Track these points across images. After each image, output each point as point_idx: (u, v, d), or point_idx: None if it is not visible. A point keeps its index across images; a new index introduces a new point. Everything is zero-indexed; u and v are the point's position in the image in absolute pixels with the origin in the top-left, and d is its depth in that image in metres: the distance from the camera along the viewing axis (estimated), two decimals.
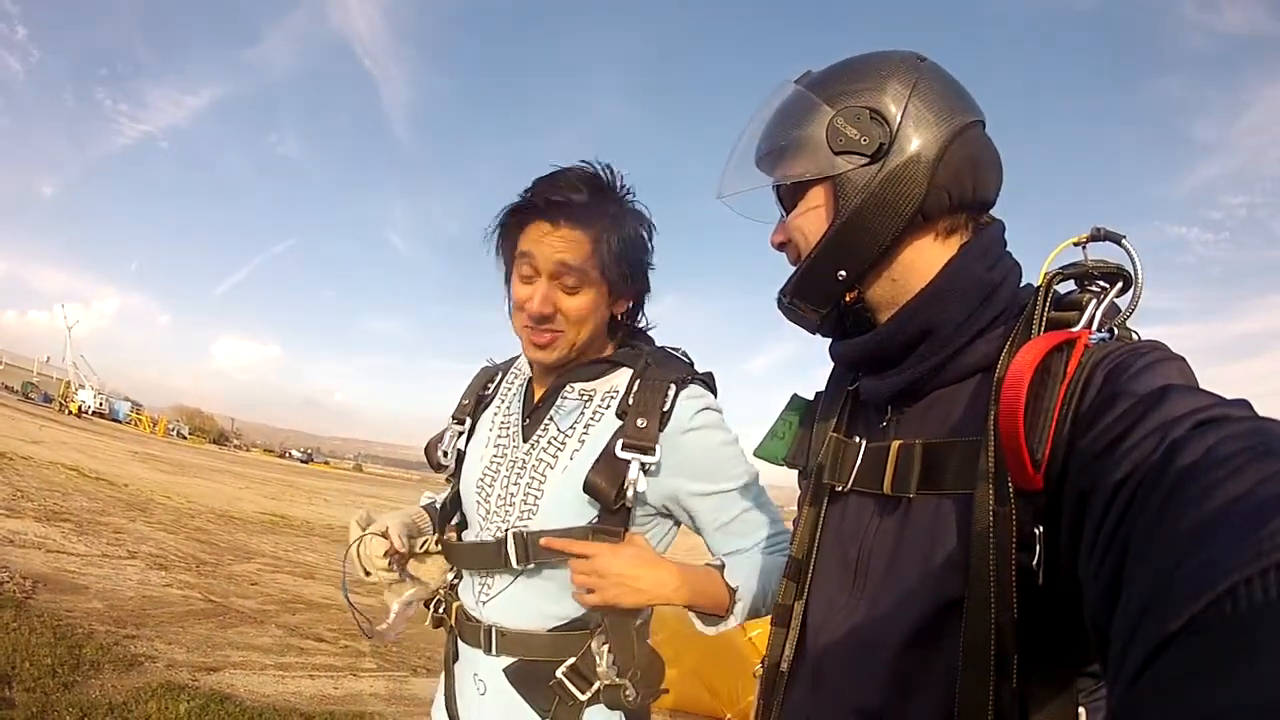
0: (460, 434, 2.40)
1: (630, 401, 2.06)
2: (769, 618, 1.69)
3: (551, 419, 2.18)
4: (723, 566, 2.05)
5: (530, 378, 2.32)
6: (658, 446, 1.98)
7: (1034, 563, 1.12)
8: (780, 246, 1.52)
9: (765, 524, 2.12)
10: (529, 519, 2.08)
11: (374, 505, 2.43)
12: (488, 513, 2.17)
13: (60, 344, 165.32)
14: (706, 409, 2.09)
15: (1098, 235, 1.29)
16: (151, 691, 6.11)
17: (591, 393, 2.17)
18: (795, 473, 1.75)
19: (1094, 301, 1.24)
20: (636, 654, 2.03)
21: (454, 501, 2.40)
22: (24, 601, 7.96)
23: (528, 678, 2.06)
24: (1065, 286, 1.30)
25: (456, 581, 2.35)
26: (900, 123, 1.32)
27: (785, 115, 1.44)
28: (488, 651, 2.10)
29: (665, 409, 2.02)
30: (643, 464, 1.97)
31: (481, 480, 2.23)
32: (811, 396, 1.79)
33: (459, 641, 2.24)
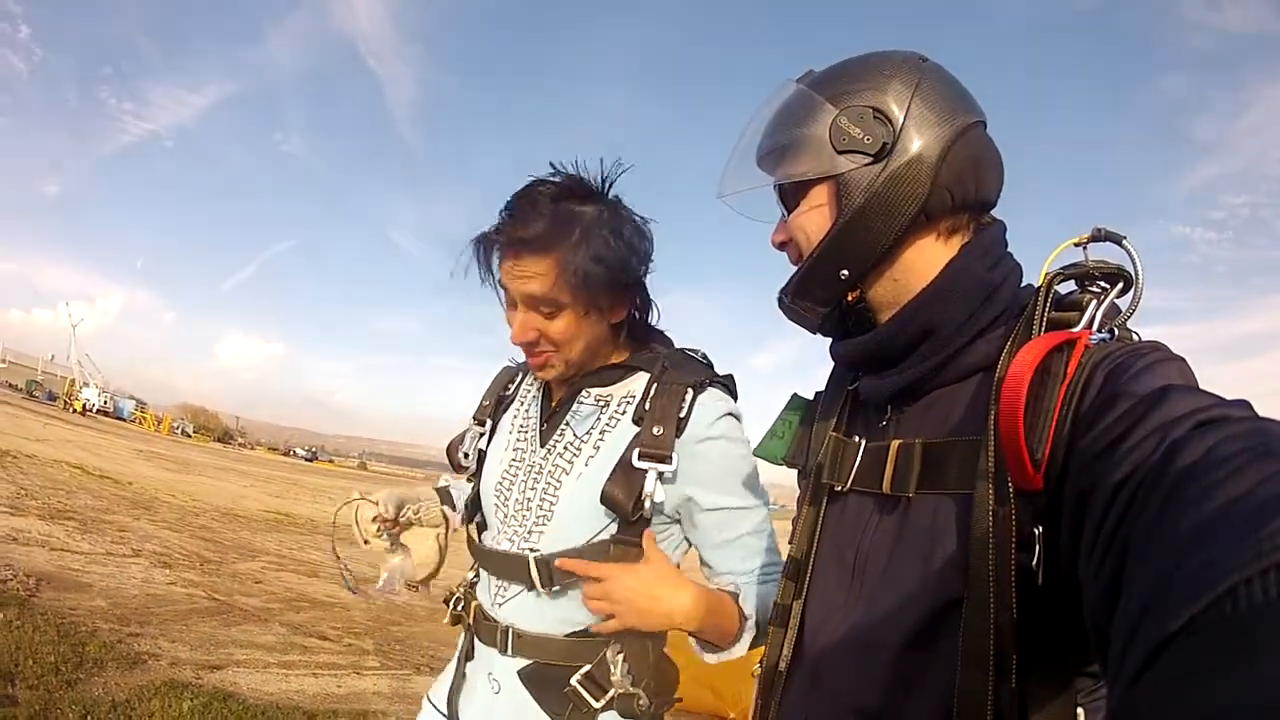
0: (481, 435, 2.39)
1: (647, 407, 2.04)
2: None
3: (568, 424, 2.17)
4: (737, 595, 2.01)
5: (548, 381, 2.29)
6: (674, 454, 1.96)
7: (1033, 563, 1.12)
8: (781, 246, 1.52)
9: (764, 552, 2.09)
10: (544, 525, 2.07)
11: None
12: (505, 517, 2.17)
13: (65, 342, 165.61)
14: (726, 415, 2.06)
15: (1098, 236, 1.29)
16: (155, 689, 6.11)
17: (608, 398, 2.16)
18: (795, 472, 1.75)
19: (1094, 302, 1.25)
20: (651, 663, 2.04)
21: (475, 502, 2.39)
22: (27, 599, 7.96)
23: (542, 681, 2.05)
24: (1066, 287, 1.30)
25: (475, 580, 2.36)
26: (903, 122, 1.32)
27: (787, 114, 1.44)
28: (503, 652, 2.09)
29: (682, 415, 2.00)
30: (660, 473, 1.96)
31: (500, 484, 2.22)
32: (812, 396, 1.79)
33: (475, 640, 2.24)
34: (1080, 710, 1.15)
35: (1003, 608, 1.13)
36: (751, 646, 2.00)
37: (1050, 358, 1.15)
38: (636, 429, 2.04)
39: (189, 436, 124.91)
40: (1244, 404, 0.89)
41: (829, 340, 1.58)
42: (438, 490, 2.62)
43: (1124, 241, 1.26)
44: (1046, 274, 1.32)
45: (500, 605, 2.14)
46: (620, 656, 1.99)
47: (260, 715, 6.20)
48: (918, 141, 1.32)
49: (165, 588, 10.34)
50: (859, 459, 1.49)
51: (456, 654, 2.36)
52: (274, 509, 24.84)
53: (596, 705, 1.98)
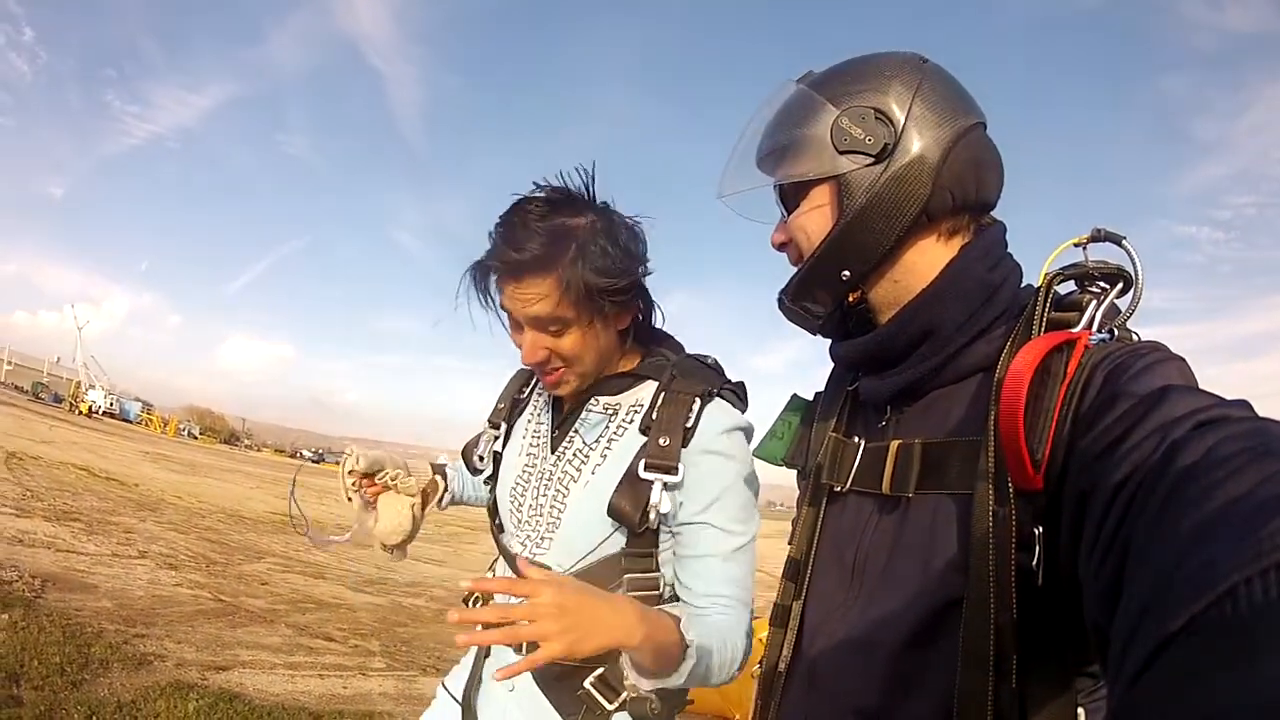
0: (496, 438, 2.40)
1: (654, 417, 2.03)
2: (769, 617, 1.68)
3: (577, 431, 2.17)
4: (678, 619, 1.83)
5: None
6: (680, 465, 1.95)
7: (1033, 563, 1.12)
8: (781, 247, 1.52)
9: (730, 581, 1.98)
10: (554, 532, 2.08)
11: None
12: (520, 522, 2.18)
13: (70, 344, 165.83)
14: (733, 430, 2.03)
15: (1098, 236, 1.30)
16: (160, 690, 6.12)
17: (616, 407, 2.15)
18: (794, 473, 1.75)
19: (1094, 302, 1.25)
20: None
21: (494, 506, 2.40)
22: (33, 600, 7.96)
23: (555, 681, 2.05)
24: (1066, 287, 1.31)
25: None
26: (905, 123, 1.32)
27: (788, 114, 1.44)
28: (518, 651, 2.07)
29: (689, 425, 1.98)
30: (666, 484, 1.94)
31: (514, 489, 2.23)
32: (811, 396, 1.79)
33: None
34: (1080, 710, 1.15)
35: (1003, 608, 1.13)
36: (691, 683, 1.86)
37: (1050, 358, 1.15)
38: (644, 439, 2.03)
39: (195, 438, 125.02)
40: (1244, 404, 0.89)
41: (829, 341, 1.58)
42: (434, 466, 2.65)
43: (1123, 242, 1.27)
44: (1046, 274, 1.32)
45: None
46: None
47: (266, 716, 6.21)
48: (919, 142, 1.32)
49: (171, 589, 10.36)
50: (858, 459, 1.49)
51: (474, 651, 2.35)
52: (280, 510, 24.77)
53: (610, 707, 1.97)
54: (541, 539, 2.10)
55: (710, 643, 1.84)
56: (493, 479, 2.40)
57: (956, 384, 1.37)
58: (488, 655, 2.28)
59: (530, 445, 2.27)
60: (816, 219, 1.41)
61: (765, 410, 1.85)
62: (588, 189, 2.05)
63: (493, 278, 1.98)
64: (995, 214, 1.46)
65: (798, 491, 1.70)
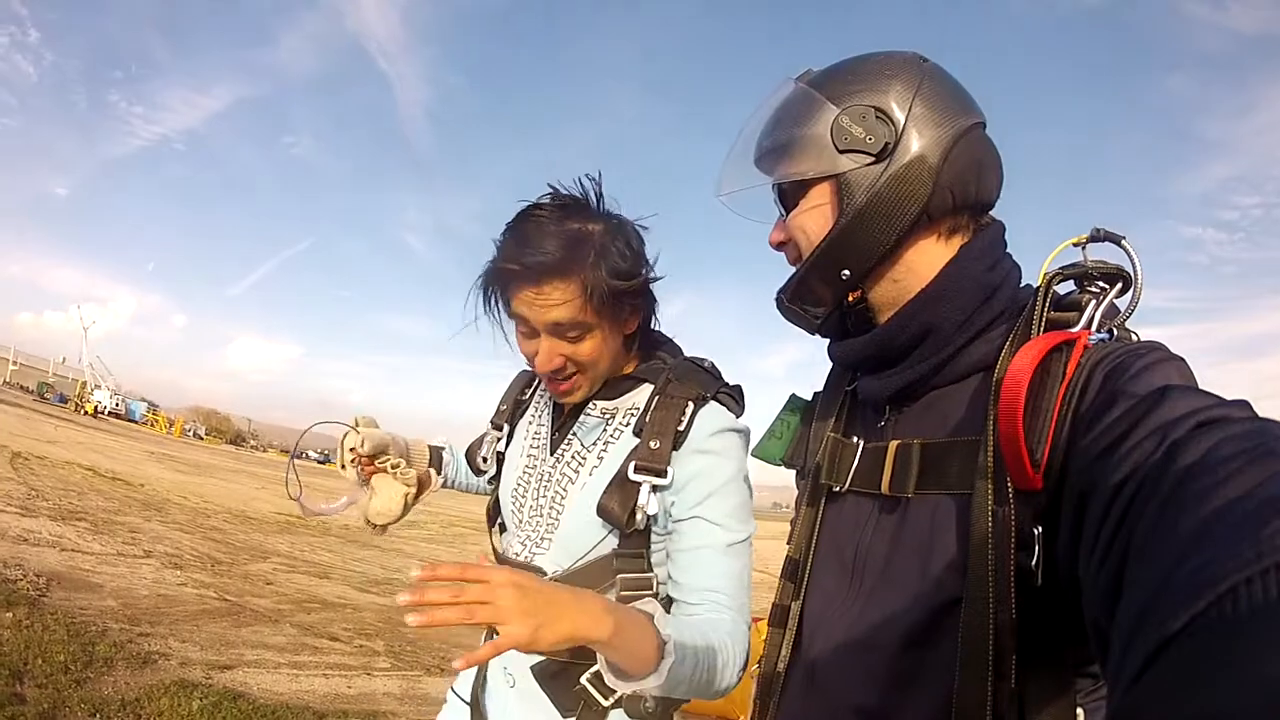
0: (499, 439, 2.42)
1: (647, 420, 2.03)
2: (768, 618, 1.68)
3: (575, 434, 2.18)
4: (653, 615, 1.68)
5: None
6: (670, 468, 1.95)
7: (1033, 563, 1.12)
8: (779, 246, 1.52)
9: (724, 576, 1.93)
10: (552, 534, 2.09)
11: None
12: (520, 523, 2.19)
13: (76, 344, 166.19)
14: (726, 431, 2.03)
15: (1097, 236, 1.30)
16: (164, 689, 6.14)
17: (613, 410, 2.16)
18: (793, 473, 1.75)
19: (1093, 302, 1.25)
20: None
21: (495, 506, 2.41)
22: (38, 599, 7.98)
23: (553, 677, 2.06)
24: (1065, 287, 1.31)
25: None
26: (906, 123, 1.32)
27: (788, 113, 1.44)
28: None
29: (681, 428, 1.98)
30: (654, 485, 1.95)
31: (516, 490, 2.25)
32: (810, 396, 1.79)
33: (495, 635, 2.23)
34: (1080, 710, 1.15)
35: (1002, 608, 1.13)
36: (680, 687, 1.73)
37: (1049, 358, 1.15)
38: (637, 441, 2.03)
39: (201, 439, 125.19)
40: (1244, 404, 0.89)
41: (827, 341, 1.58)
42: (432, 448, 2.66)
43: (1123, 241, 1.26)
44: (1045, 274, 1.32)
45: None
46: None
47: (270, 715, 6.22)
48: (920, 141, 1.32)
49: (176, 588, 10.38)
50: (857, 459, 1.49)
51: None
52: (286, 511, 24.82)
53: (605, 704, 1.98)
54: (541, 539, 2.11)
55: (695, 641, 1.73)
56: (495, 479, 2.42)
57: (956, 384, 1.37)
58: None
59: (531, 447, 2.28)
60: (816, 218, 1.41)
61: (769, 412, 1.85)
62: (596, 195, 2.05)
63: (507, 283, 1.96)
64: (997, 213, 1.45)
65: (796, 492, 1.70)
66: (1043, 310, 1.26)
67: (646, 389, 2.11)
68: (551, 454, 2.20)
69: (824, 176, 1.38)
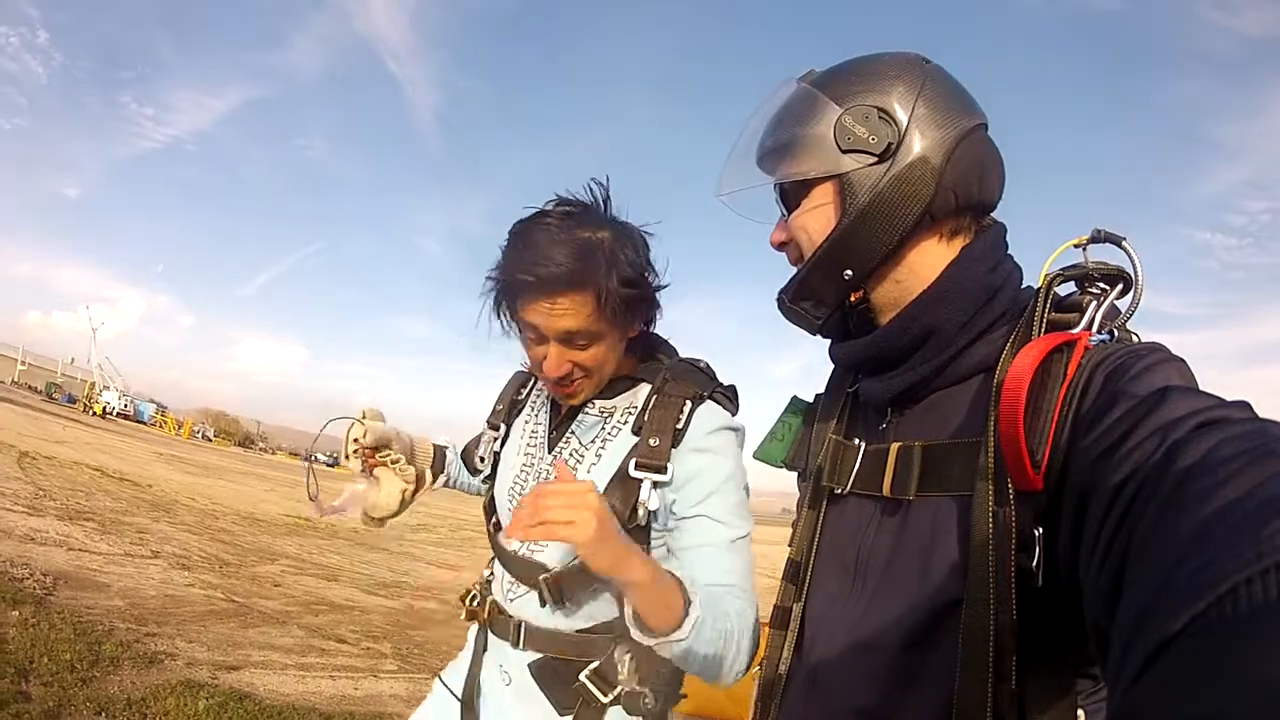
0: (495, 438, 2.44)
1: (646, 419, 2.06)
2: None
3: (574, 432, 2.20)
4: (681, 582, 1.78)
5: None
6: (669, 465, 1.98)
7: (1033, 564, 1.12)
8: (780, 246, 1.52)
9: (730, 570, 1.95)
10: None
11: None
12: None
13: (84, 345, 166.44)
14: (723, 429, 2.07)
15: (1098, 237, 1.30)
16: (170, 688, 6.13)
17: (612, 409, 2.19)
18: (795, 475, 1.76)
19: (1094, 303, 1.25)
20: (658, 662, 2.01)
21: (491, 504, 2.43)
22: (44, 598, 7.97)
23: (550, 674, 2.09)
24: (1066, 288, 1.31)
25: (491, 578, 2.40)
26: (909, 123, 1.32)
27: (790, 113, 1.44)
28: (515, 645, 2.14)
29: (679, 426, 2.02)
30: (655, 482, 1.97)
31: (513, 488, 2.27)
32: (812, 398, 1.79)
33: (490, 633, 2.28)
34: (1080, 711, 1.15)
35: (1002, 609, 1.13)
36: (696, 662, 1.79)
37: (1050, 359, 1.15)
38: (635, 439, 2.07)
39: (209, 440, 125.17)
40: (1244, 405, 0.89)
41: (828, 342, 1.58)
42: (436, 447, 2.68)
43: (1123, 243, 1.27)
44: (1046, 275, 1.32)
45: (512, 601, 2.18)
46: (628, 655, 2.01)
47: (276, 716, 6.22)
48: (923, 142, 1.32)
49: (183, 589, 10.37)
50: (859, 462, 1.50)
51: (471, 645, 2.40)
52: (294, 513, 24.82)
53: (604, 700, 2.00)
54: (541, 569, 2.11)
55: (716, 611, 1.78)
56: (491, 478, 2.43)
57: (957, 385, 1.38)
58: (485, 650, 2.31)
59: (528, 445, 2.30)
60: (818, 218, 1.41)
61: (773, 414, 1.85)
62: (603, 200, 2.06)
63: (518, 293, 1.96)
64: (995, 215, 1.46)
65: (798, 494, 1.70)
66: (1043, 311, 1.26)
67: (644, 388, 2.15)
68: (549, 452, 2.22)
69: (827, 176, 1.38)
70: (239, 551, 14.84)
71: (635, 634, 1.75)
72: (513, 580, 2.20)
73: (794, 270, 1.49)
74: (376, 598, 12.92)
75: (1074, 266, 1.31)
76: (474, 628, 2.40)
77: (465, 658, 2.40)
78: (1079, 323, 1.24)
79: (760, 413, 2.08)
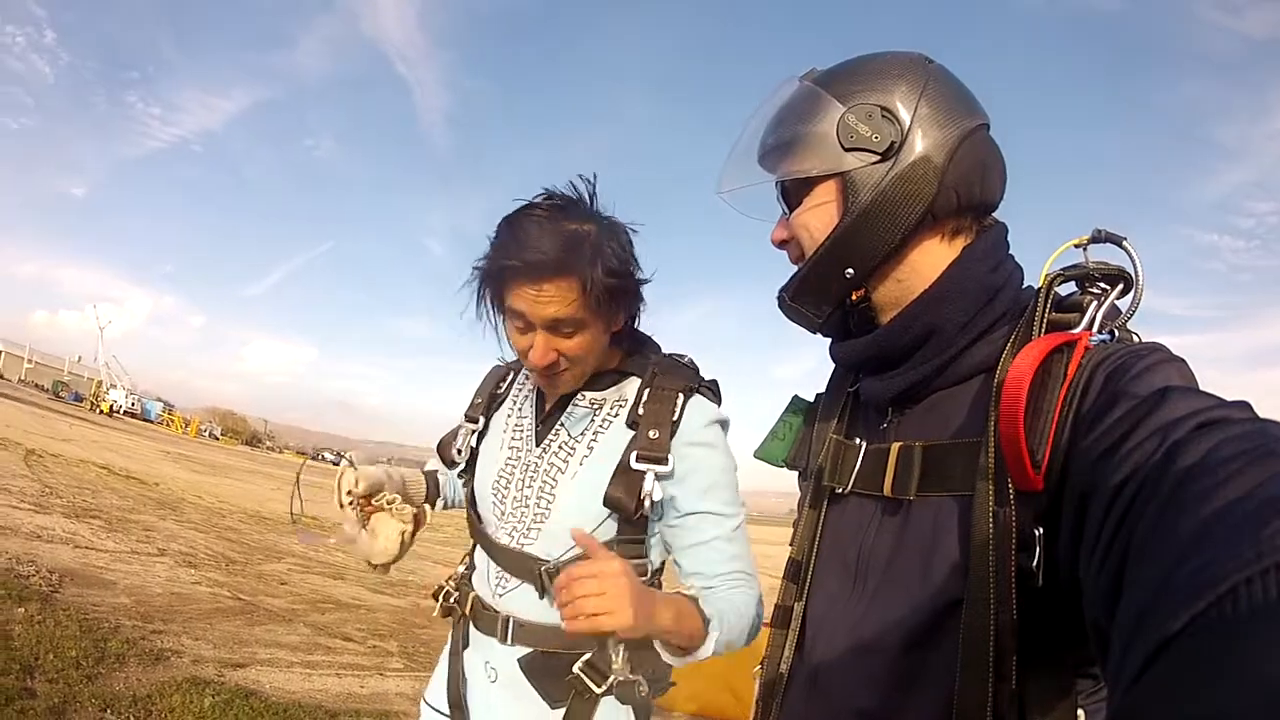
0: (474, 432, 2.45)
1: (640, 412, 2.11)
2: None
3: (563, 425, 2.23)
4: (697, 599, 2.01)
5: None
6: (670, 456, 2.03)
7: (1033, 564, 1.12)
8: (781, 244, 1.52)
9: (734, 558, 2.11)
10: (542, 523, 2.14)
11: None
12: (504, 514, 2.22)
13: (91, 344, 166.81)
14: (714, 423, 2.14)
15: (1098, 237, 1.30)
16: (176, 685, 6.13)
17: (601, 402, 2.22)
18: (795, 474, 1.77)
19: (1094, 303, 1.25)
20: (650, 651, 2.03)
21: (470, 499, 2.44)
22: (50, 595, 7.98)
23: (541, 668, 2.10)
24: (1067, 288, 1.31)
25: (468, 572, 2.41)
26: (911, 122, 1.32)
27: (792, 111, 1.44)
28: (503, 640, 2.15)
29: (675, 418, 2.07)
30: (657, 474, 2.02)
31: (498, 482, 2.28)
32: (813, 398, 1.80)
33: (471, 630, 2.29)
34: (1081, 711, 1.16)
35: (1003, 609, 1.14)
36: (715, 653, 2.00)
37: (1050, 359, 1.15)
38: (630, 432, 2.11)
39: (217, 439, 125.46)
40: (1244, 405, 0.90)
41: (828, 341, 1.58)
42: (425, 474, 2.68)
43: (1124, 243, 1.27)
44: (1046, 275, 1.32)
45: (501, 595, 2.19)
46: (622, 645, 1.99)
47: (282, 713, 6.22)
48: (926, 141, 1.32)
49: (190, 587, 10.38)
50: (859, 461, 1.49)
51: (447, 648, 2.42)
52: (300, 512, 24.85)
53: (598, 691, 2.01)
54: (528, 530, 2.15)
55: (727, 615, 1.98)
56: (468, 472, 2.46)
57: (958, 385, 1.38)
58: (466, 647, 2.32)
59: (513, 439, 2.32)
60: (820, 216, 1.41)
61: (773, 414, 1.86)
62: (590, 196, 2.09)
63: (506, 280, 1.99)
64: (996, 215, 1.45)
65: (799, 493, 1.71)
66: (1044, 312, 1.26)
67: (633, 382, 2.20)
68: (537, 445, 2.24)
69: (829, 174, 1.38)
70: (245, 549, 14.85)
71: (666, 657, 1.93)
72: (501, 574, 2.21)
73: (795, 269, 1.49)
74: (383, 596, 12.92)
75: (1074, 266, 1.31)
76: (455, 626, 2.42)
77: (441, 672, 2.42)
78: (1079, 323, 1.24)
79: (760, 413, 2.09)
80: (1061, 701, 1.15)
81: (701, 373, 2.28)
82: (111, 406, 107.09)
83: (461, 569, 2.46)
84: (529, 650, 2.12)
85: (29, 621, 6.79)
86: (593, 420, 2.21)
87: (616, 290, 2.02)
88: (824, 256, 1.41)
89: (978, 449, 1.23)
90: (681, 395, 2.10)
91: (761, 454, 1.81)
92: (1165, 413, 0.91)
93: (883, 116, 1.33)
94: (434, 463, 2.72)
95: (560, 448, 2.20)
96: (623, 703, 2.05)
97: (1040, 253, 1.40)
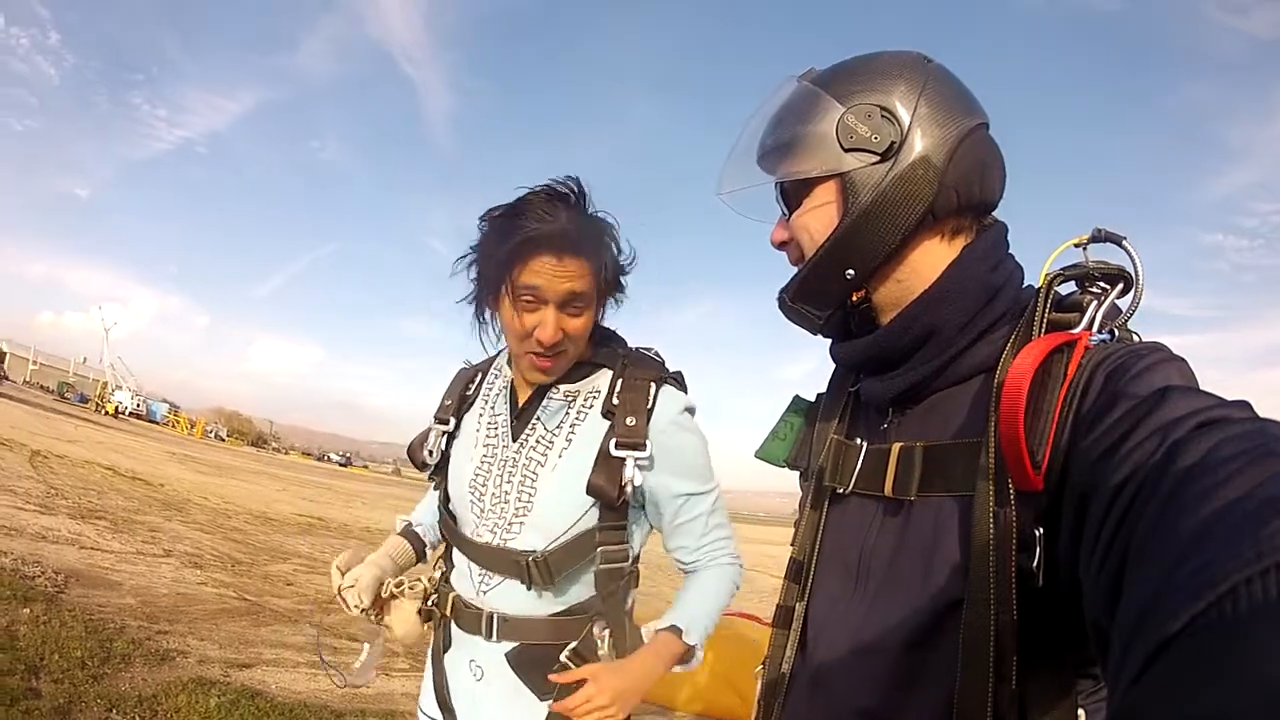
0: (444, 434, 2.46)
1: (615, 401, 2.17)
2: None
3: (539, 419, 2.26)
4: (679, 630, 2.16)
5: (512, 379, 2.37)
6: (648, 442, 2.10)
7: (1034, 564, 1.12)
8: (781, 246, 1.52)
9: (716, 528, 2.30)
10: (524, 516, 2.16)
11: (408, 510, 2.48)
12: (483, 511, 2.24)
13: (97, 344, 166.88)
14: (686, 410, 2.23)
15: (1098, 237, 1.30)
16: (182, 685, 6.14)
17: (575, 394, 2.26)
18: (797, 475, 1.76)
19: (1094, 303, 1.25)
20: (629, 636, 2.14)
21: (445, 501, 2.46)
22: (55, 596, 7.99)
23: (529, 662, 2.14)
24: (1067, 288, 1.31)
25: (445, 573, 2.44)
26: (911, 122, 1.32)
27: (791, 111, 1.43)
28: (488, 637, 2.18)
29: (649, 406, 2.13)
30: (636, 460, 2.07)
31: (474, 480, 2.29)
32: (814, 398, 1.79)
33: (453, 630, 2.33)
34: (1081, 711, 1.15)
35: (1003, 609, 1.14)
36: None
37: (1050, 359, 1.15)
38: (607, 422, 2.17)
39: (222, 440, 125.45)
40: (1244, 405, 0.89)
41: (828, 342, 1.58)
42: (401, 534, 2.68)
43: (1124, 242, 1.26)
44: (1046, 275, 1.32)
45: (485, 593, 2.22)
46: (606, 632, 2.11)
47: (288, 713, 6.23)
48: (925, 141, 1.31)
49: (195, 587, 10.39)
50: (860, 462, 1.49)
51: (430, 652, 2.46)
52: (307, 513, 24.85)
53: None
54: (510, 525, 2.17)
55: (699, 617, 2.21)
56: (440, 473, 2.47)
57: (958, 385, 1.37)
58: (448, 649, 2.36)
59: (488, 437, 2.33)
60: (820, 217, 1.40)
61: (774, 414, 1.87)
62: (579, 195, 2.12)
63: (526, 253, 1.99)
64: (996, 215, 1.45)
65: (800, 494, 1.71)
66: (1044, 311, 1.26)
67: (605, 373, 2.24)
68: (514, 440, 2.26)
69: (829, 175, 1.37)
70: (251, 550, 14.88)
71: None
72: (484, 571, 2.23)
73: (795, 270, 1.49)
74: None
75: (1074, 266, 1.30)
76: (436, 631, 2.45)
77: (429, 673, 2.45)
78: (1079, 322, 1.24)
79: (761, 413, 2.12)
80: (1062, 701, 1.15)
81: (668, 364, 2.34)
82: (117, 408, 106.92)
83: (438, 573, 2.49)
84: (515, 645, 2.16)
85: (34, 622, 6.80)
86: (568, 412, 2.24)
87: (614, 280, 2.11)
88: (824, 258, 1.40)
89: (978, 449, 1.23)
90: (654, 385, 2.17)
91: (763, 454, 1.80)
92: (1165, 412, 0.91)
93: (882, 116, 1.32)
94: (401, 520, 2.76)
95: (538, 441, 2.23)
96: None
97: (1040, 252, 1.40)
